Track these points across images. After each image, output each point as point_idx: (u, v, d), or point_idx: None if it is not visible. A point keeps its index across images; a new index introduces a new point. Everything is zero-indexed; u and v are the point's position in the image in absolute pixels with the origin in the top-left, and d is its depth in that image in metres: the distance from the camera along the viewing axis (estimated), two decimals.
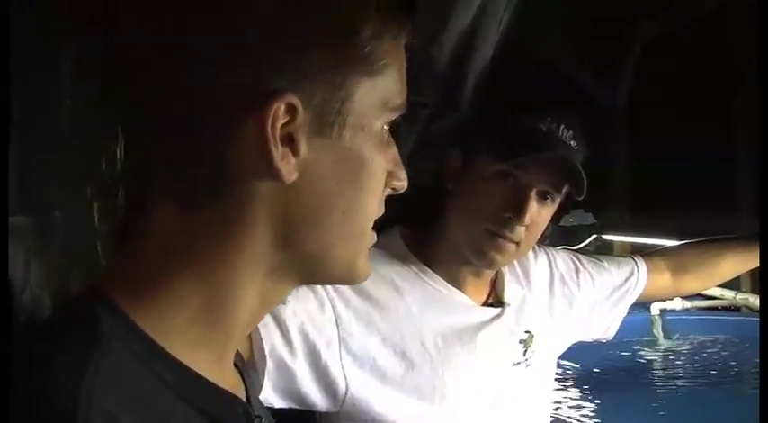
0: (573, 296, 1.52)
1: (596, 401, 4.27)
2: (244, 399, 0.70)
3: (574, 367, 4.52)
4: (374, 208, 0.68)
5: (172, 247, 0.61)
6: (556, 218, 1.34)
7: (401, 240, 1.35)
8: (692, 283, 1.69)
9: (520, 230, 1.25)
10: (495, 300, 1.40)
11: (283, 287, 0.67)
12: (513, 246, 1.27)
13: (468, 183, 1.29)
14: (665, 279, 1.63)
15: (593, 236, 4.51)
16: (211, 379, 0.62)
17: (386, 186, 0.69)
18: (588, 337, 1.60)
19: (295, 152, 0.59)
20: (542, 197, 1.26)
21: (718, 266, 1.66)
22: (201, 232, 0.61)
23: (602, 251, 3.85)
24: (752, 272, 1.80)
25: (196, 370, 0.61)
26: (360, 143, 0.63)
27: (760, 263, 1.55)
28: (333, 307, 1.22)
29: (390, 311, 1.26)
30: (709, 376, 4.70)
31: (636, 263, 1.60)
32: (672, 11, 2.13)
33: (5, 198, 0.82)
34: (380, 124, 0.65)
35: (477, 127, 1.31)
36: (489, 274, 1.39)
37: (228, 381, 0.67)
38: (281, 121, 0.58)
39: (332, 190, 0.63)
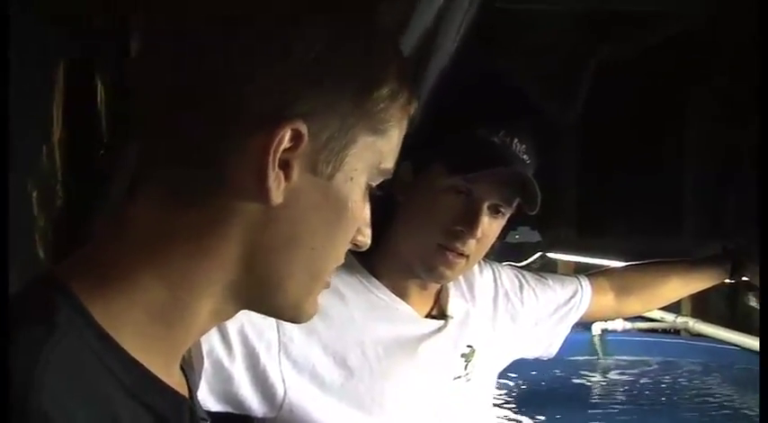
0: (516, 312, 1.52)
1: (536, 419, 4.30)
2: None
3: (514, 384, 4.55)
4: (341, 254, 0.70)
5: (146, 239, 0.63)
6: (502, 233, 1.34)
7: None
8: (635, 305, 1.71)
9: (471, 243, 1.25)
10: (439, 312, 1.39)
11: (230, 308, 0.68)
12: (462, 260, 1.27)
13: (420, 195, 1.29)
14: (608, 300, 1.64)
15: (539, 253, 4.58)
16: (161, 377, 0.63)
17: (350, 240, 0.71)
18: (530, 354, 1.60)
19: (287, 177, 0.62)
20: (494, 211, 1.26)
21: (663, 289, 1.67)
22: (178, 232, 0.63)
23: (547, 269, 3.90)
24: (693, 296, 1.83)
25: (147, 367, 0.62)
26: (347, 190, 0.66)
27: (760, 264, 1.55)
28: None
29: (333, 319, 1.24)
30: (647, 397, 4.76)
31: (580, 282, 1.61)
32: (627, 36, 2.17)
33: (5, 197, 0.82)
34: (365, 181, 0.68)
35: (430, 139, 1.30)
36: (435, 286, 1.38)
37: (175, 381, 0.67)
38: (285, 146, 0.60)
39: (309, 225, 0.65)
